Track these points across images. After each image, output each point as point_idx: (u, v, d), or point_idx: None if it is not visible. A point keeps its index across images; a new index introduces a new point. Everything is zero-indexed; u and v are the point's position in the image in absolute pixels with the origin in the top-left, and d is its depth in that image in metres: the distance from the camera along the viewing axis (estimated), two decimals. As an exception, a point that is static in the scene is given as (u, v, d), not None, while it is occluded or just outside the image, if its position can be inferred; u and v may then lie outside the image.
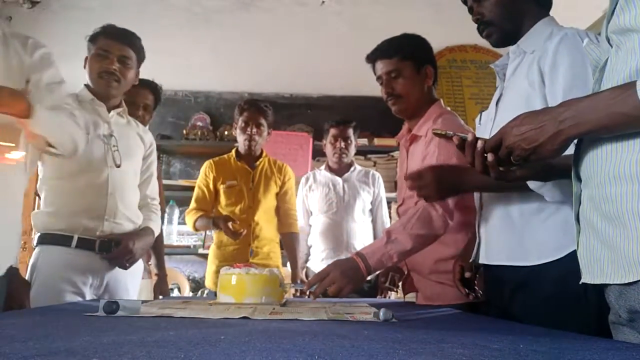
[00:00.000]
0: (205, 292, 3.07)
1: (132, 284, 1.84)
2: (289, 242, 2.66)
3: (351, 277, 1.41)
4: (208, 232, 3.37)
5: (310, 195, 2.88)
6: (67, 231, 1.65)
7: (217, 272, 2.50)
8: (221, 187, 2.56)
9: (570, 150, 0.87)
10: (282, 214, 2.65)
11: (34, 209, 2.09)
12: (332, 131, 2.82)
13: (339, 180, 2.83)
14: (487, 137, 0.96)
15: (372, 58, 1.72)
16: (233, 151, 2.65)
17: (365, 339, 0.73)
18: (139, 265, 1.87)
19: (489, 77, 3.75)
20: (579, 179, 0.88)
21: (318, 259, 2.77)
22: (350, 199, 2.79)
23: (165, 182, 2.90)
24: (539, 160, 0.88)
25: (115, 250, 1.70)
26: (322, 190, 2.83)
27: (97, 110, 1.76)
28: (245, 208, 2.52)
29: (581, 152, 0.87)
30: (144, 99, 2.21)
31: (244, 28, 4.02)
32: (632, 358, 0.60)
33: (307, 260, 2.87)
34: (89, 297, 1.67)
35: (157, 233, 1.95)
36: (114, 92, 1.78)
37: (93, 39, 1.76)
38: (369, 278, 2.69)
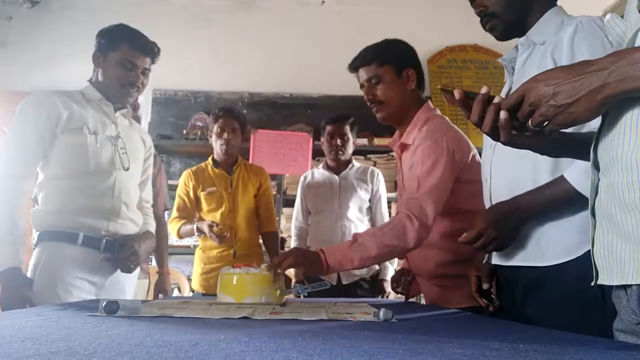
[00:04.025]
0: (192, 294, 3.07)
1: (129, 286, 1.83)
2: (270, 242, 2.73)
3: (308, 261, 1.43)
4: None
5: (308, 194, 2.84)
6: (72, 229, 1.64)
7: (203, 274, 2.63)
8: (201, 195, 2.66)
9: (595, 124, 0.78)
10: (261, 214, 2.74)
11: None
12: (328, 128, 2.75)
13: (335, 178, 2.77)
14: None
15: (353, 67, 1.69)
16: (210, 159, 2.76)
17: (365, 339, 0.73)
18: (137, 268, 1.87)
19: (489, 77, 3.74)
20: (597, 168, 0.79)
21: None
22: (347, 197, 2.73)
23: (165, 182, 2.89)
24: (565, 125, 0.74)
25: (120, 251, 1.70)
26: (319, 189, 2.79)
27: (104, 110, 1.76)
28: (227, 212, 2.62)
29: (601, 136, 0.77)
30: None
31: (244, 28, 4.03)
32: (632, 358, 0.60)
33: None
34: (91, 295, 1.66)
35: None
36: (131, 101, 1.82)
37: (113, 43, 1.73)
38: (369, 277, 2.72)
